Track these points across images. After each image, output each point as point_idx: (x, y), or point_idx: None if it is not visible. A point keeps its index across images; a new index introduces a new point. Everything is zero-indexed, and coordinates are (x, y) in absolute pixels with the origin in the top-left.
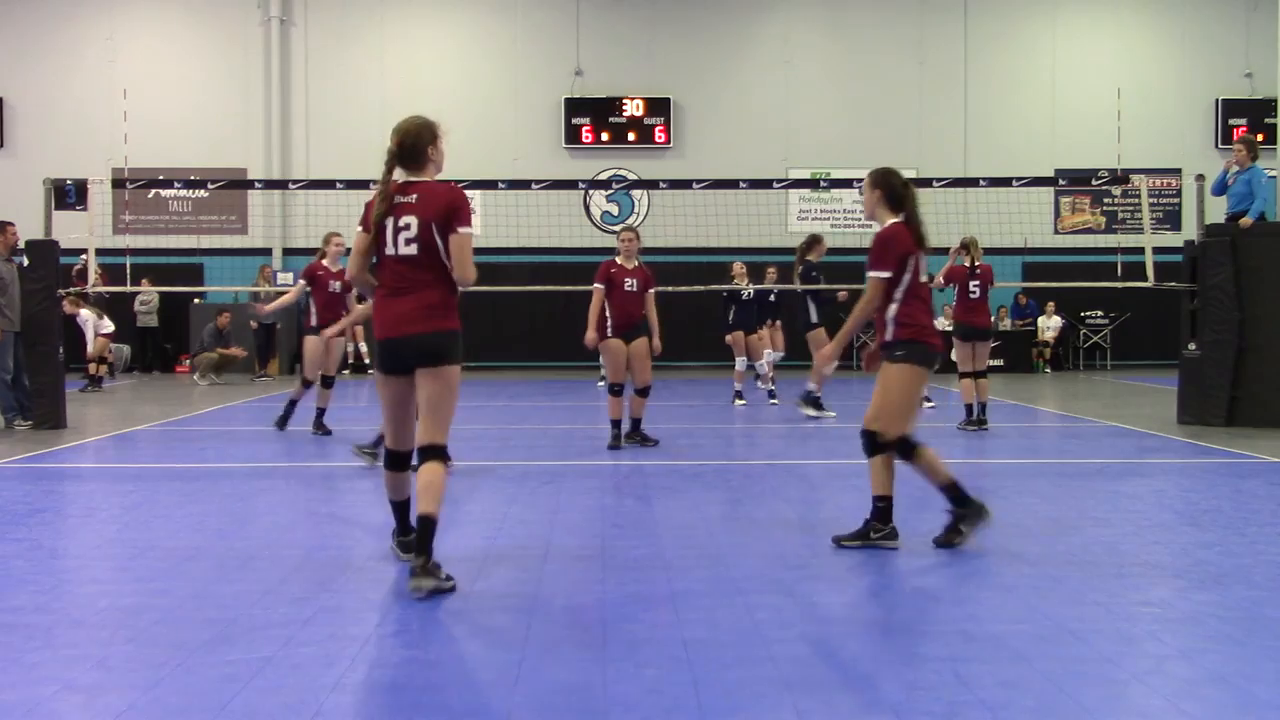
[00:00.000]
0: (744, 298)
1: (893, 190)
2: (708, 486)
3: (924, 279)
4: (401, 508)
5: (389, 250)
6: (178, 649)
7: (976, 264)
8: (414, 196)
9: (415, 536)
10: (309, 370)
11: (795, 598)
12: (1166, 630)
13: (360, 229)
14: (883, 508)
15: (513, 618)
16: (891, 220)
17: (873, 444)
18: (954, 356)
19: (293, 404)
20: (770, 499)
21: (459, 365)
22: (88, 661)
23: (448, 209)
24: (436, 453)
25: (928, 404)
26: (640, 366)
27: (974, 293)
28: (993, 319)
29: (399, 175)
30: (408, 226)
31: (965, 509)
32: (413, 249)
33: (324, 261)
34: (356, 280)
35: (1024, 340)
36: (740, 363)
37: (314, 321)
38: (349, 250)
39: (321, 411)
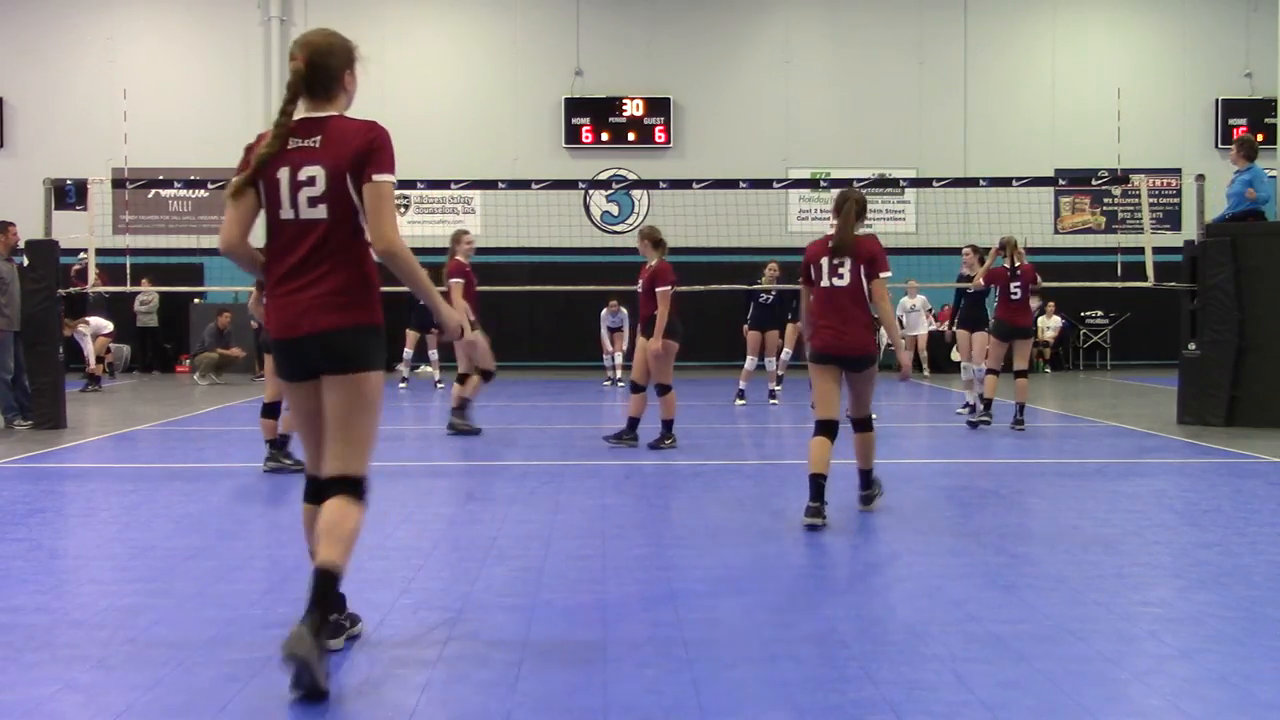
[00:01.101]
0: (762, 300)
1: (833, 207)
2: (707, 486)
3: (825, 283)
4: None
5: (285, 213)
6: (178, 649)
7: (1018, 265)
8: (318, 139)
9: (310, 589)
10: (468, 364)
11: (795, 597)
12: (1166, 630)
13: (239, 174)
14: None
15: (512, 618)
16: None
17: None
18: (979, 355)
19: (465, 402)
20: (770, 498)
21: (380, 370)
22: (88, 661)
23: (364, 150)
24: (351, 487)
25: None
26: (649, 366)
27: (1015, 294)
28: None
29: (300, 110)
30: (312, 180)
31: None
32: (319, 211)
33: (460, 259)
34: (234, 253)
35: None
36: (750, 361)
37: (471, 317)
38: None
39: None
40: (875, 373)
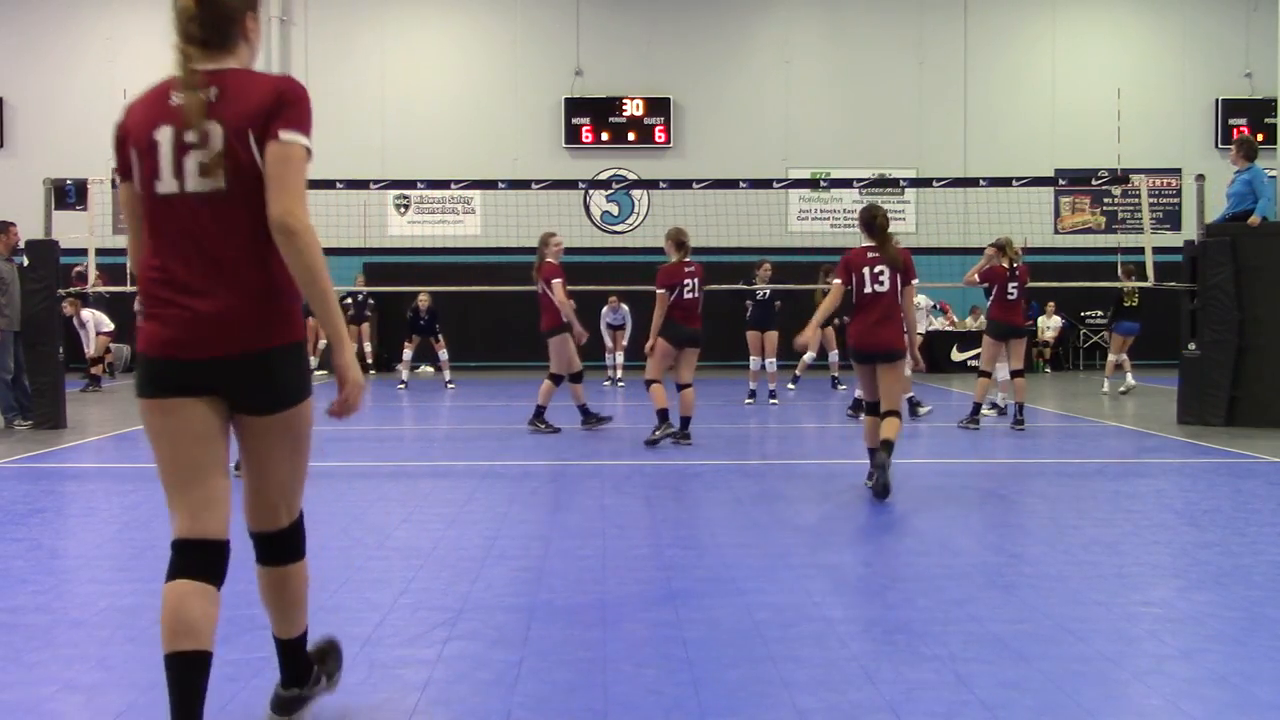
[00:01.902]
0: (759, 297)
1: (863, 223)
2: (708, 486)
3: (868, 290)
4: (187, 681)
5: (164, 186)
6: None
7: (1015, 264)
8: (213, 91)
9: (283, 665)
10: (576, 364)
11: (795, 597)
12: (1166, 630)
13: (120, 178)
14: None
15: (513, 618)
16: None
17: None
18: (972, 356)
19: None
20: (770, 499)
21: (312, 393)
22: (88, 661)
23: (272, 104)
24: (290, 545)
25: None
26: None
27: (1011, 294)
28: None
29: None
30: (204, 139)
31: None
32: (213, 180)
33: (552, 260)
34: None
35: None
36: (754, 361)
37: (565, 317)
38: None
39: (584, 408)
40: (903, 368)
